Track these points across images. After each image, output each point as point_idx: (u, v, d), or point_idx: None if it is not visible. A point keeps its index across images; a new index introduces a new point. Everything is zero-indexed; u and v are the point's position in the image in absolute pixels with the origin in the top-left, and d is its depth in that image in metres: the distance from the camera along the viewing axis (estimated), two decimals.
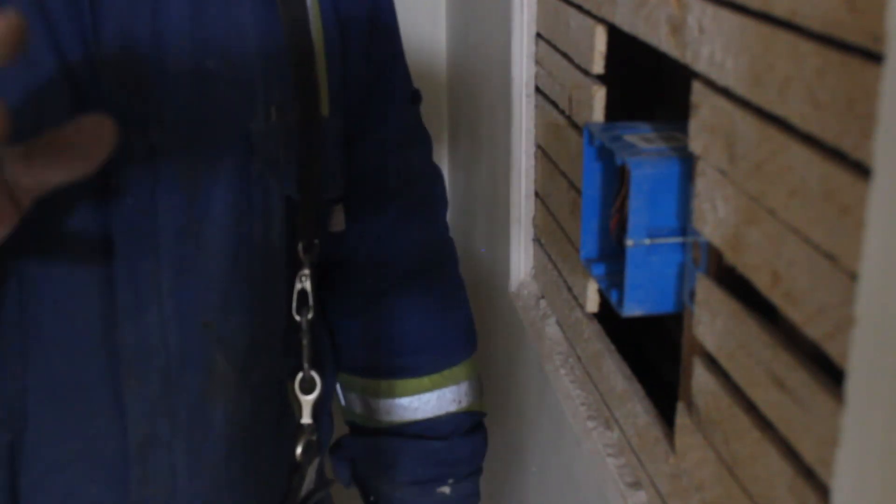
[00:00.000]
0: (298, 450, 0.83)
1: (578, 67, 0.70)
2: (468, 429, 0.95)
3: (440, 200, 0.96)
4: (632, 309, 0.57)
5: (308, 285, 0.77)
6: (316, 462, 0.89)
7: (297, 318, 0.78)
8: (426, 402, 0.92)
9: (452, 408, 0.93)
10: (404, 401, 0.92)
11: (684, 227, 0.54)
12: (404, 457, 0.93)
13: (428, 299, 0.92)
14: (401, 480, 0.93)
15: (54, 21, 0.60)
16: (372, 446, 0.94)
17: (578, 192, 0.71)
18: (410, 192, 0.92)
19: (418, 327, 0.92)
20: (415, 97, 0.93)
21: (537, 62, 0.84)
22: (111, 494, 0.68)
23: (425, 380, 0.92)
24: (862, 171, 0.32)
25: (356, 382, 0.93)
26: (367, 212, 0.88)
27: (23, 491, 0.66)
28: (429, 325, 0.93)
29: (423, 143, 0.94)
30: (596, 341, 0.71)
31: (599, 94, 0.66)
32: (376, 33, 0.81)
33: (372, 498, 0.96)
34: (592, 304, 0.72)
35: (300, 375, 0.81)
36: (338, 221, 0.84)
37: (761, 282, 0.41)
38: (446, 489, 0.93)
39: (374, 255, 0.90)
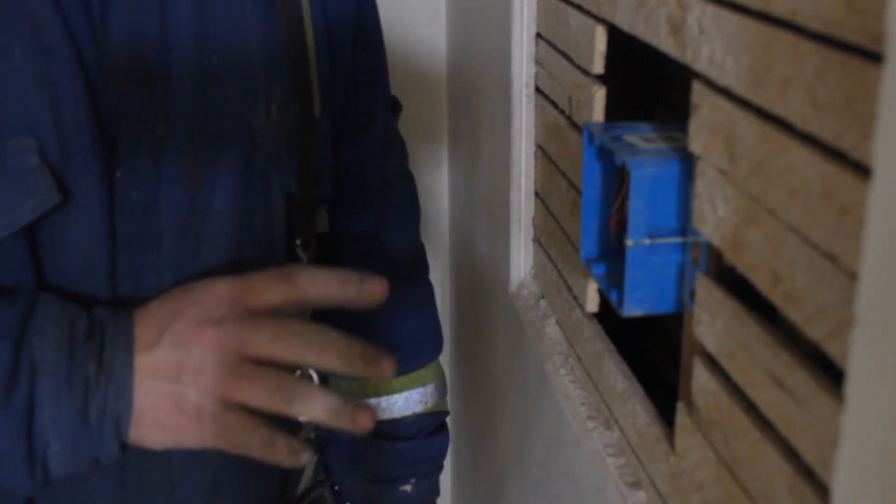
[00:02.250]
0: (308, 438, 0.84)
1: (578, 67, 0.70)
2: (432, 430, 0.97)
3: (416, 206, 0.99)
4: (632, 309, 0.57)
5: None
6: (314, 460, 0.90)
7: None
8: (393, 402, 0.95)
9: (419, 409, 0.96)
10: (372, 401, 0.94)
11: (684, 227, 0.54)
12: (369, 455, 0.95)
13: (403, 303, 0.95)
14: (364, 477, 0.96)
15: (69, 14, 0.61)
16: (337, 440, 0.96)
17: (578, 192, 0.71)
18: (389, 197, 0.94)
19: (392, 330, 0.94)
20: (394, 105, 0.95)
21: (537, 62, 0.84)
22: (112, 482, 0.68)
23: (394, 382, 0.94)
24: (862, 171, 0.32)
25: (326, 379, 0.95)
26: (348, 215, 0.90)
27: None
28: (402, 329, 0.95)
29: (401, 150, 0.97)
30: (596, 341, 0.71)
31: (599, 94, 0.66)
32: (360, 38, 0.83)
33: (337, 487, 0.97)
34: (592, 304, 0.72)
35: (297, 372, 0.81)
36: (322, 223, 0.85)
37: (761, 282, 0.42)
38: (408, 487, 0.96)
39: (354, 258, 0.91)
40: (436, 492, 0.99)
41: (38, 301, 0.58)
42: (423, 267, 1.00)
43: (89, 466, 0.56)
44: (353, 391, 0.95)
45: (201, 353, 0.53)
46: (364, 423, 0.54)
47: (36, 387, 0.54)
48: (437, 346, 0.99)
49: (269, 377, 0.53)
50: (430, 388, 0.96)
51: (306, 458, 0.57)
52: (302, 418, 0.55)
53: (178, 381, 0.53)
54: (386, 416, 0.95)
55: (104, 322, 0.57)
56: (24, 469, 0.54)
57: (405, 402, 0.95)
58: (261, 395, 0.53)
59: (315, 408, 0.53)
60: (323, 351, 0.53)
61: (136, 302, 0.61)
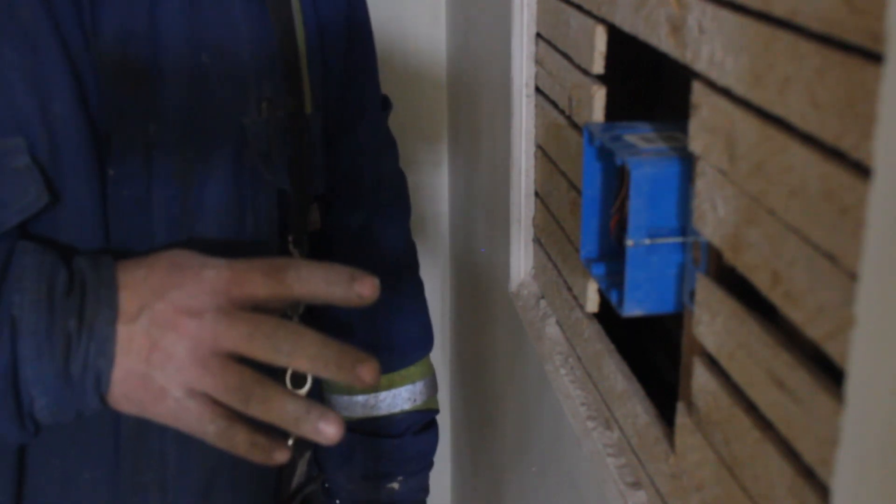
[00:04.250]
0: (289, 443, 0.84)
1: (578, 67, 0.70)
2: (420, 427, 0.97)
3: (407, 205, 0.99)
4: (632, 309, 0.57)
5: None
6: (307, 455, 0.90)
7: (289, 312, 0.79)
8: (381, 399, 0.95)
9: (407, 406, 0.96)
10: (360, 398, 0.94)
11: (684, 227, 0.54)
12: (357, 452, 0.95)
13: (394, 300, 0.95)
14: (352, 474, 0.95)
15: (58, 13, 0.61)
16: None
17: (578, 192, 0.71)
18: (381, 194, 0.94)
19: (381, 327, 0.94)
20: (385, 103, 0.95)
21: (537, 62, 0.84)
22: (104, 480, 0.68)
23: (382, 379, 0.94)
24: (862, 171, 0.32)
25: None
26: (340, 212, 0.90)
27: (28, 471, 0.67)
28: (391, 326, 0.95)
29: (392, 148, 0.97)
30: (596, 341, 0.71)
31: (599, 94, 0.66)
32: (352, 37, 0.84)
33: (326, 485, 0.97)
34: (592, 304, 0.72)
35: (290, 370, 0.81)
36: (314, 220, 0.85)
37: (761, 282, 0.42)
38: (395, 485, 0.96)
39: (345, 254, 0.91)
40: (425, 490, 0.99)
41: (16, 253, 0.58)
42: (414, 264, 1.00)
43: (74, 418, 0.57)
44: (342, 387, 0.95)
45: (174, 341, 0.54)
46: (328, 434, 0.53)
47: (17, 344, 0.54)
48: (427, 344, 0.99)
49: (231, 376, 0.53)
50: (419, 386, 0.96)
51: (281, 458, 0.56)
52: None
53: (147, 361, 0.54)
54: (373, 413, 0.95)
55: (85, 276, 0.57)
56: (14, 422, 0.56)
57: (393, 399, 0.95)
58: (220, 390, 0.54)
59: (272, 412, 0.53)
60: (293, 354, 0.53)
61: (118, 253, 0.61)
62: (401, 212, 0.98)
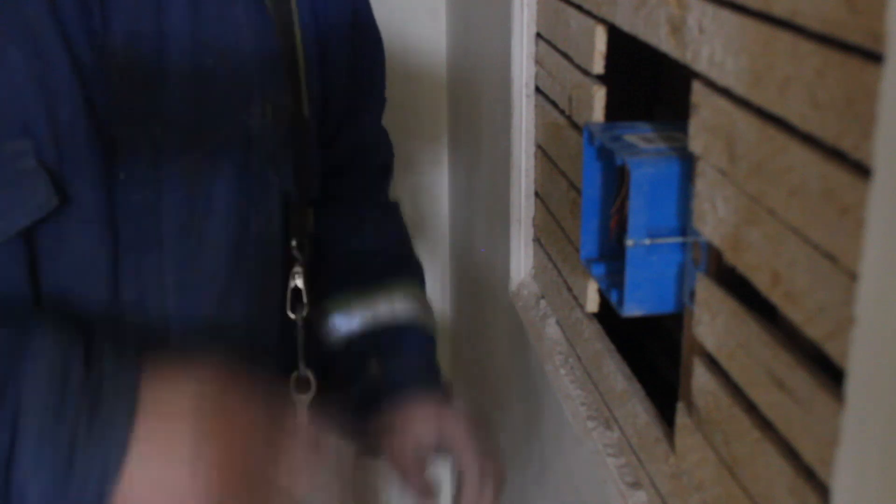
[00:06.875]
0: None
1: (578, 67, 0.70)
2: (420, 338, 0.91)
3: (396, 208, 0.95)
4: (632, 309, 0.57)
5: (301, 283, 0.78)
6: None
7: (292, 315, 0.79)
8: (379, 307, 0.89)
9: (404, 315, 0.90)
10: (357, 309, 0.89)
11: (684, 227, 0.54)
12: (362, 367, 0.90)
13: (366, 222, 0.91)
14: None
15: (65, 18, 0.61)
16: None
17: (578, 192, 0.71)
18: (371, 197, 0.93)
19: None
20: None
21: (537, 62, 0.84)
22: None
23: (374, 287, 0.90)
24: (862, 171, 0.32)
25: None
26: (332, 216, 0.89)
27: None
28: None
29: (388, 149, 0.95)
30: (596, 341, 0.71)
31: (599, 94, 0.66)
32: (358, 45, 0.83)
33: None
34: (592, 304, 0.72)
35: (295, 374, 0.81)
36: (310, 223, 0.85)
37: (761, 282, 0.42)
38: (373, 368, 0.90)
39: (338, 255, 0.90)
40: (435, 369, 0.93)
41: (30, 336, 0.56)
42: (419, 276, 0.95)
43: None
44: (340, 305, 0.90)
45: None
46: None
47: (15, 446, 0.53)
48: (415, 273, 0.92)
49: None
50: (411, 301, 0.88)
51: None
52: None
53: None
54: (375, 321, 0.88)
55: (104, 379, 0.56)
56: None
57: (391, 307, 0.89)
58: None
59: None
60: None
61: (141, 336, 0.60)
62: (394, 214, 0.96)
